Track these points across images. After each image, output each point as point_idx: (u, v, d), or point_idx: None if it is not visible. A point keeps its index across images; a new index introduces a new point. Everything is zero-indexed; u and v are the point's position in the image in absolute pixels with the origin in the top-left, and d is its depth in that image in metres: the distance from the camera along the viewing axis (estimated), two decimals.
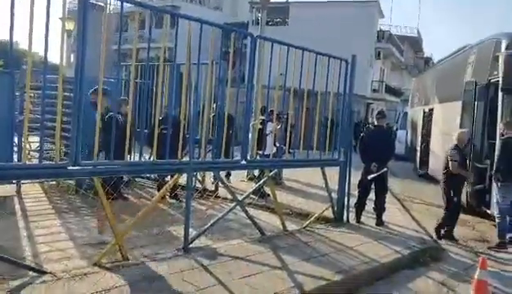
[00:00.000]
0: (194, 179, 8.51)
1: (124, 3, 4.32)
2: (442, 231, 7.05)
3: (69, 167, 3.99)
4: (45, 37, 3.69)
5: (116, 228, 4.58)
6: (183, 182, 6.11)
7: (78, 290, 3.79)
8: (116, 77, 6.84)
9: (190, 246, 5.15)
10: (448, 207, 7.00)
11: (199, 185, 8.72)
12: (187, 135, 5.47)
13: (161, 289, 3.96)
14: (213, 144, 6.47)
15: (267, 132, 8.34)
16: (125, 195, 7.72)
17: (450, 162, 6.91)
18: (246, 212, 6.02)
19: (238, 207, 6.00)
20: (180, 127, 5.01)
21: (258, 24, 21.74)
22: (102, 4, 23.77)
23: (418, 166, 14.82)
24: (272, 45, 5.82)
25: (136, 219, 4.79)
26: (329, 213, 7.24)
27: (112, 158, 4.34)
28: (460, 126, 9.80)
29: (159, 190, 6.04)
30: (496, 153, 7.08)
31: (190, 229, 5.19)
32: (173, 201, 7.71)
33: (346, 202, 7.22)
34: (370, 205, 7.51)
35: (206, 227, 5.51)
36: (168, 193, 7.28)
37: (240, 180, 10.12)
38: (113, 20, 6.01)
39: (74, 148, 3.97)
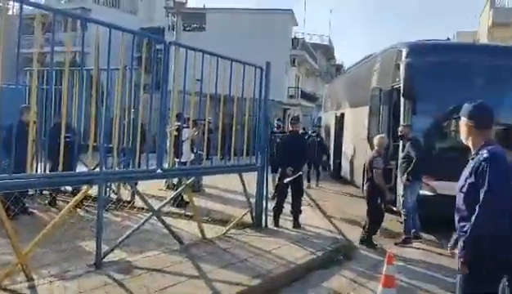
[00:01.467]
0: (108, 189, 8.16)
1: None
2: (361, 235, 7.06)
3: None
4: None
5: (18, 246, 4.21)
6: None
7: None
8: (20, 83, 6.34)
9: (104, 260, 4.89)
10: (370, 214, 6.98)
11: (113, 196, 8.38)
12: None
13: None
14: (127, 153, 6.24)
15: (184, 139, 8.22)
16: (30, 210, 7.16)
17: (374, 171, 6.88)
18: (163, 222, 5.87)
19: (156, 217, 5.83)
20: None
21: (174, 29, 21.50)
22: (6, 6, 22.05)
23: (331, 168, 15.53)
24: (187, 51, 5.76)
25: (40, 235, 4.44)
26: (248, 218, 7.31)
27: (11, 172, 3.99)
28: (368, 130, 10.47)
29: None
30: (404, 154, 7.55)
31: (104, 244, 4.94)
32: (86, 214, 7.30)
33: (264, 207, 7.33)
34: (287, 208, 7.71)
35: (120, 240, 5.27)
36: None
37: (158, 188, 9.86)
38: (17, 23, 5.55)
39: None
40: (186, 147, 8.22)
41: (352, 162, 12.64)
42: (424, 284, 5.45)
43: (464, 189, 3.00)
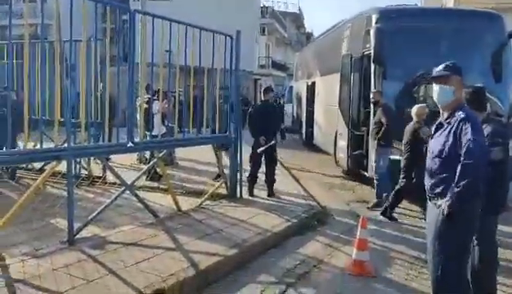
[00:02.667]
0: (78, 165, 7.97)
1: None
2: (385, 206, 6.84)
3: None
4: None
5: None
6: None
7: None
8: None
9: (77, 237, 4.81)
10: (404, 187, 6.69)
11: (84, 172, 8.20)
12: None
13: (45, 288, 3.63)
14: (95, 127, 6.07)
15: (154, 112, 8.06)
16: None
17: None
18: (137, 196, 5.79)
19: (129, 192, 5.74)
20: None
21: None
22: None
23: (304, 137, 15.63)
24: (153, 20, 5.56)
25: (9, 214, 4.31)
26: (223, 190, 7.30)
27: None
28: (339, 98, 10.52)
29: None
30: (376, 119, 7.63)
31: (76, 221, 4.83)
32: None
33: (239, 177, 7.33)
34: (261, 177, 7.74)
35: (93, 215, 5.17)
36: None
37: (130, 163, 9.72)
38: None
39: None
40: (156, 120, 8.06)
41: (323, 130, 12.74)
42: (396, 246, 5.63)
43: (445, 154, 3.06)
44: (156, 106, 7.91)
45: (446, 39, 8.45)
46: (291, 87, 22.07)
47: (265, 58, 34.91)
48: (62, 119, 5.02)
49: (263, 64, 34.39)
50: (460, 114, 3.02)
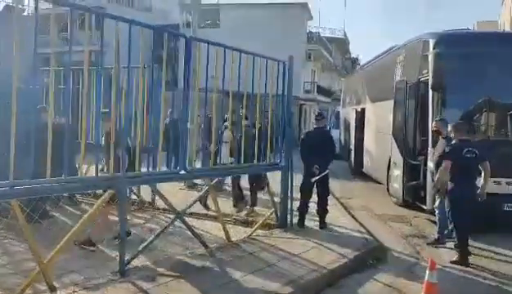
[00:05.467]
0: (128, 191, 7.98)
1: (43, 3, 3.79)
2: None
3: None
4: None
5: (39, 254, 4.02)
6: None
7: None
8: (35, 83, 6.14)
9: (128, 267, 4.69)
10: None
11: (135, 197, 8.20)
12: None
13: None
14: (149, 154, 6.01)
15: (225, 140, 7.89)
16: (51, 213, 6.99)
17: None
18: (186, 224, 5.64)
19: (179, 220, 5.60)
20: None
21: (188, 26, 21.30)
22: (20, 6, 22.08)
23: (353, 165, 15.16)
24: (208, 46, 5.50)
25: (62, 243, 4.24)
26: (272, 218, 7.05)
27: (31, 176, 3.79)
28: (393, 125, 10.11)
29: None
30: (440, 150, 7.13)
31: (127, 249, 4.72)
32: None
33: (289, 206, 7.06)
34: (312, 208, 7.43)
35: (144, 245, 5.06)
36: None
37: (178, 187, 9.69)
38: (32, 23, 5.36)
39: None
40: (225, 149, 7.83)
41: (374, 158, 12.29)
42: (466, 289, 5.13)
43: None
44: (225, 135, 7.84)
45: (507, 64, 7.95)
46: (338, 113, 21.72)
47: (310, 83, 34.74)
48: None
49: (309, 90, 34.20)
50: None
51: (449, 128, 6.59)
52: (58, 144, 4.07)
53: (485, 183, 6.07)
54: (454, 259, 5.94)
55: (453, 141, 6.31)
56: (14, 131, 3.67)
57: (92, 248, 5.46)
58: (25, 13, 22.95)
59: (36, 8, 3.98)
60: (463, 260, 5.87)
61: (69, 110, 6.02)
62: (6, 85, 3.62)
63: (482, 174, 6.09)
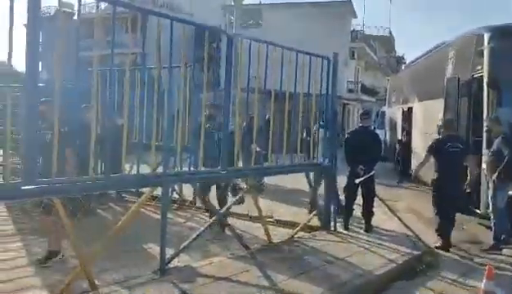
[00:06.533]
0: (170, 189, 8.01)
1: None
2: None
3: (23, 187, 3.44)
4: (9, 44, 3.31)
5: (80, 251, 4.03)
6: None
7: None
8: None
9: (168, 266, 4.65)
10: None
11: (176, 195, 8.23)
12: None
13: None
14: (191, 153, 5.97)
15: None
16: (96, 211, 7.12)
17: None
18: (228, 226, 5.55)
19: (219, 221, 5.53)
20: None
21: (231, 27, 21.38)
22: (70, 10, 22.88)
23: (400, 166, 14.62)
24: (250, 45, 5.39)
25: (105, 240, 4.25)
26: (315, 220, 6.85)
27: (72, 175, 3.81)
28: None
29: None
30: (494, 150, 6.73)
31: (167, 247, 4.68)
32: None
33: (333, 208, 6.83)
34: (357, 210, 7.17)
35: (185, 244, 5.01)
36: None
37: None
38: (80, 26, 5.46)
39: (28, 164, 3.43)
40: None
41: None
42: None
43: None
44: None
45: None
46: (383, 113, 21.07)
47: (354, 83, 34.05)
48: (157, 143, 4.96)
49: (352, 89, 33.55)
50: None
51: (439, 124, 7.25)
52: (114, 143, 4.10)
53: (470, 175, 6.56)
54: (437, 244, 6.39)
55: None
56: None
57: (58, 257, 5.17)
58: (75, 17, 23.76)
59: (79, 12, 4.02)
60: (444, 246, 6.33)
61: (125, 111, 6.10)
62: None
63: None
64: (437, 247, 6.31)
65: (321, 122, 7.20)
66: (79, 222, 5.39)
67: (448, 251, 6.27)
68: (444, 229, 6.45)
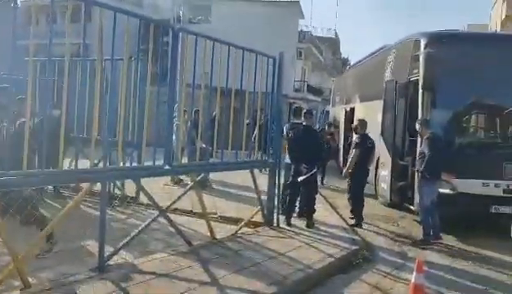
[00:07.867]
0: (112, 184, 7.80)
1: None
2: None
3: None
4: None
5: (13, 249, 3.84)
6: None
7: None
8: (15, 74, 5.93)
9: (107, 263, 4.53)
10: None
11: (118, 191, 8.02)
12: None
13: None
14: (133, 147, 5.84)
15: None
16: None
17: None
18: (170, 222, 5.49)
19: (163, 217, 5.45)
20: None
21: (179, 21, 21.06)
22: None
23: (341, 164, 15.08)
24: (196, 41, 5.35)
25: (39, 237, 4.08)
26: (258, 217, 6.93)
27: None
28: (382, 125, 10.04)
29: None
30: (421, 150, 7.15)
31: (107, 244, 4.56)
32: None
33: (276, 205, 6.95)
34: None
35: (125, 241, 4.90)
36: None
37: (163, 183, 9.52)
38: (20, 14, 5.16)
39: None
40: None
41: None
42: (453, 291, 5.07)
43: None
44: None
45: (499, 65, 7.90)
46: (327, 112, 21.64)
47: (300, 82, 34.69)
48: (99, 137, 4.82)
49: (298, 88, 34.15)
50: None
51: (355, 124, 8.85)
52: (50, 136, 3.92)
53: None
54: (353, 222, 7.66)
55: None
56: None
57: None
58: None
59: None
60: (358, 222, 7.66)
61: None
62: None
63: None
64: (352, 225, 7.48)
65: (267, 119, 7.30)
66: (13, 218, 5.13)
67: (361, 226, 7.56)
68: (356, 208, 7.83)
